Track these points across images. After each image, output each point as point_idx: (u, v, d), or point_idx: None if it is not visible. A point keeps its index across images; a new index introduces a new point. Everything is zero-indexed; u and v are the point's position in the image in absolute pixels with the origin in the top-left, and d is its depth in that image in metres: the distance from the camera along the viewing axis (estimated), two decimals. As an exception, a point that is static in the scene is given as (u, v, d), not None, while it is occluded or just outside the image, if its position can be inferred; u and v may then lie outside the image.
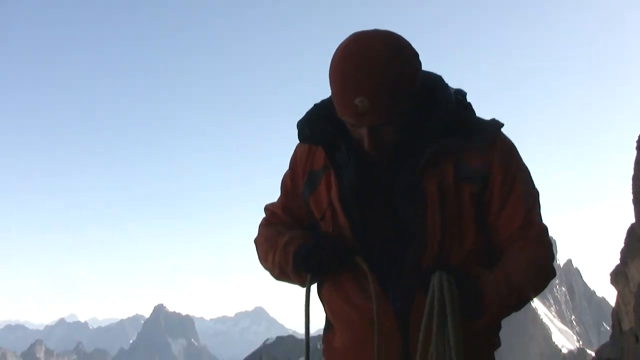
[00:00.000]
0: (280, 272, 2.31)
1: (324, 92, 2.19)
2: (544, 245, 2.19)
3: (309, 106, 2.30)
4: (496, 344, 2.29)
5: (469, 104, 2.23)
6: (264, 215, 2.56)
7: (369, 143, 2.08)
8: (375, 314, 2.11)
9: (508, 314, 2.17)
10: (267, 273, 2.45)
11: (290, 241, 2.26)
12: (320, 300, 2.38)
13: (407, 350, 2.13)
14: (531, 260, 2.15)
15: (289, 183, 2.42)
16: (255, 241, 2.50)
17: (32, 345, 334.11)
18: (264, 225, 2.51)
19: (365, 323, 2.16)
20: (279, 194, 2.50)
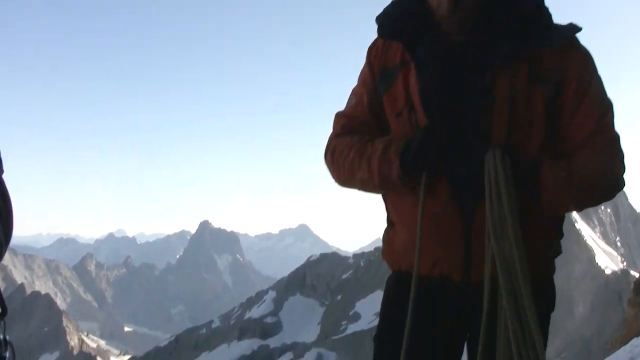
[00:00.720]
0: (382, 180, 2.16)
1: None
2: (615, 153, 2.11)
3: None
4: (557, 250, 2.26)
5: (547, 7, 2.16)
6: (333, 125, 2.41)
7: (449, 4, 2.04)
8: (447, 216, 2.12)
9: (566, 208, 2.12)
10: (334, 183, 2.33)
11: (389, 144, 2.15)
12: (383, 197, 2.38)
13: (469, 251, 2.13)
14: (600, 163, 2.07)
15: (370, 79, 2.33)
16: (332, 152, 2.33)
17: (83, 259, 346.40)
18: (341, 135, 2.34)
19: (428, 222, 2.14)
20: (352, 98, 2.39)
